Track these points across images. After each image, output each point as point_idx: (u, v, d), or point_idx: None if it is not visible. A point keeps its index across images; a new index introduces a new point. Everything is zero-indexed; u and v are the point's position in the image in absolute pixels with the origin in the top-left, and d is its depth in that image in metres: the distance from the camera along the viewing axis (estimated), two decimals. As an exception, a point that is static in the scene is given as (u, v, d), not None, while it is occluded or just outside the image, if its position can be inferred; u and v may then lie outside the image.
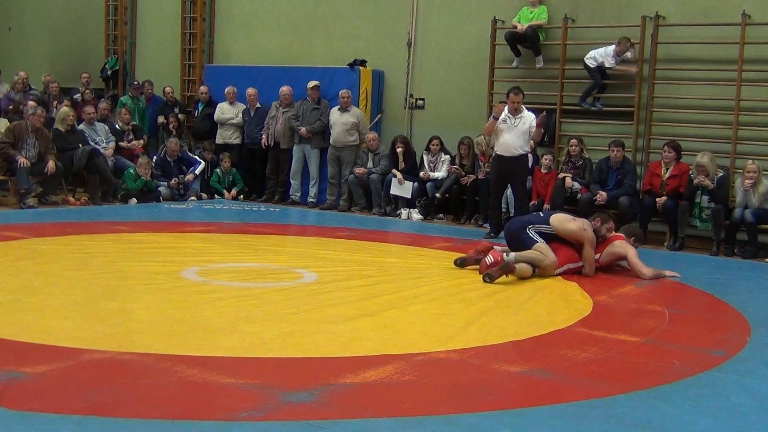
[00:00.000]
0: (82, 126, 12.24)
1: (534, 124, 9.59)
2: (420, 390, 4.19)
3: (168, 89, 13.98)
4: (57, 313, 5.38)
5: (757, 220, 9.41)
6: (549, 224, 7.69)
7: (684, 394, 4.29)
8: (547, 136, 11.51)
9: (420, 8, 12.74)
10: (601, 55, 10.85)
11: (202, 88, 13.82)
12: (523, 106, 9.72)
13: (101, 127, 12.44)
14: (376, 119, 13.09)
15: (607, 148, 10.49)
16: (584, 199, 10.32)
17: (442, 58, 12.58)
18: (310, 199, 12.69)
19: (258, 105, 13.12)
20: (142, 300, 5.85)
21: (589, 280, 7.44)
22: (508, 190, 10.38)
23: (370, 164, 12.28)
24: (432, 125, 12.37)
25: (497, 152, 9.88)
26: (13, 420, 3.47)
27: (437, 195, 11.59)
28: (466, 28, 12.33)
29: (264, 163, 13.10)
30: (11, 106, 13.05)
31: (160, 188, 12.21)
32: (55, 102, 13.41)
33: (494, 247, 7.87)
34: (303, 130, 12.43)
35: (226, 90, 13.34)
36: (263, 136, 12.86)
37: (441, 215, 11.76)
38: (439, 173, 11.70)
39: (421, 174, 11.79)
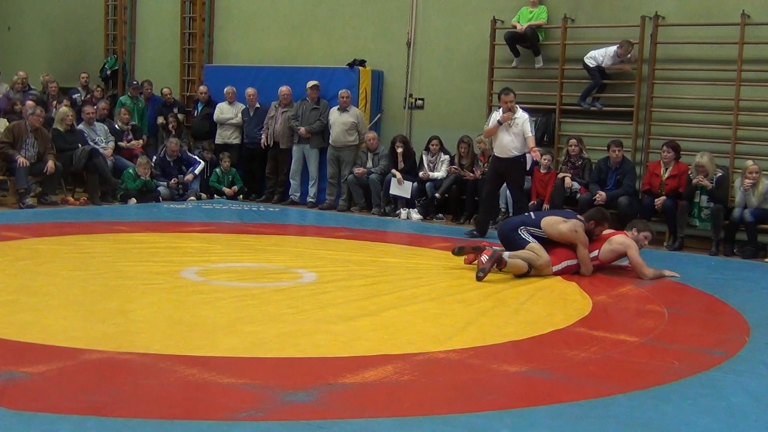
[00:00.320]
0: (81, 126, 12.24)
1: (528, 128, 9.55)
2: (419, 390, 4.19)
3: (166, 90, 13.97)
4: (56, 313, 5.38)
5: (756, 219, 9.42)
6: (540, 227, 7.69)
7: (683, 394, 4.29)
8: (546, 136, 11.54)
9: (419, 8, 12.74)
10: (602, 55, 10.85)
11: (202, 88, 13.82)
12: (517, 106, 9.74)
13: (100, 127, 12.43)
14: (376, 119, 13.09)
15: (606, 149, 10.50)
16: (583, 199, 10.31)
17: (442, 58, 12.58)
18: (309, 199, 12.69)
19: (257, 105, 13.12)
20: (141, 300, 5.85)
21: (589, 280, 7.44)
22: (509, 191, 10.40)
23: (369, 164, 12.28)
24: (431, 125, 12.37)
25: (494, 153, 9.92)
26: (13, 420, 3.47)
27: (436, 195, 11.59)
28: (466, 28, 12.33)
29: (263, 163, 13.09)
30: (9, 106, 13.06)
31: (159, 188, 12.21)
32: (54, 102, 13.42)
33: (493, 247, 7.87)
34: (302, 130, 12.43)
35: (225, 90, 13.34)
36: (263, 137, 12.86)
37: (440, 215, 11.76)
38: (439, 173, 11.70)
39: (421, 174, 11.79)
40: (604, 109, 11.09)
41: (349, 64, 12.82)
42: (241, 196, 13.09)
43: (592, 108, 11.12)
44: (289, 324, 5.33)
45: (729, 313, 6.46)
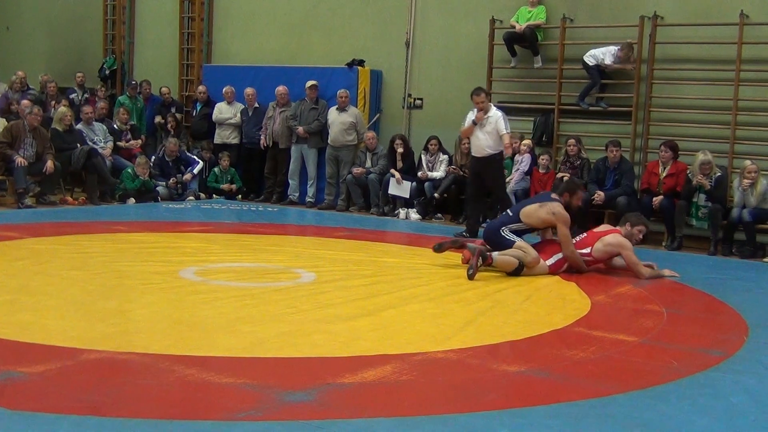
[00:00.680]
0: (80, 126, 12.24)
1: (502, 126, 9.50)
2: (418, 390, 4.19)
3: (165, 89, 13.98)
4: (55, 312, 5.37)
5: (754, 219, 9.43)
6: (521, 220, 7.70)
7: (682, 393, 4.29)
8: (545, 136, 11.54)
9: (418, 8, 12.74)
10: (602, 53, 10.85)
11: (201, 88, 13.82)
12: (491, 105, 9.74)
13: (99, 127, 12.43)
14: (375, 119, 13.09)
15: (605, 149, 10.50)
16: (583, 199, 10.31)
17: (441, 57, 12.58)
18: (308, 199, 12.69)
19: (256, 105, 13.12)
20: (140, 300, 5.85)
21: (587, 280, 7.43)
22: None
23: (368, 164, 12.28)
24: (430, 125, 12.38)
25: (472, 153, 9.97)
26: (11, 420, 3.47)
27: (435, 195, 11.59)
28: (465, 28, 12.33)
29: (262, 163, 13.09)
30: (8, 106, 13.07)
31: (158, 188, 12.21)
32: (53, 102, 13.41)
33: (470, 244, 7.81)
34: (300, 129, 12.43)
35: (224, 90, 13.34)
36: (262, 137, 12.86)
37: (439, 215, 11.77)
38: (438, 173, 11.70)
39: (419, 174, 11.80)
40: (603, 109, 11.10)
41: (348, 64, 12.82)
42: (239, 196, 13.09)
43: (595, 107, 11.12)
44: (288, 324, 5.33)
45: (728, 313, 6.46)
